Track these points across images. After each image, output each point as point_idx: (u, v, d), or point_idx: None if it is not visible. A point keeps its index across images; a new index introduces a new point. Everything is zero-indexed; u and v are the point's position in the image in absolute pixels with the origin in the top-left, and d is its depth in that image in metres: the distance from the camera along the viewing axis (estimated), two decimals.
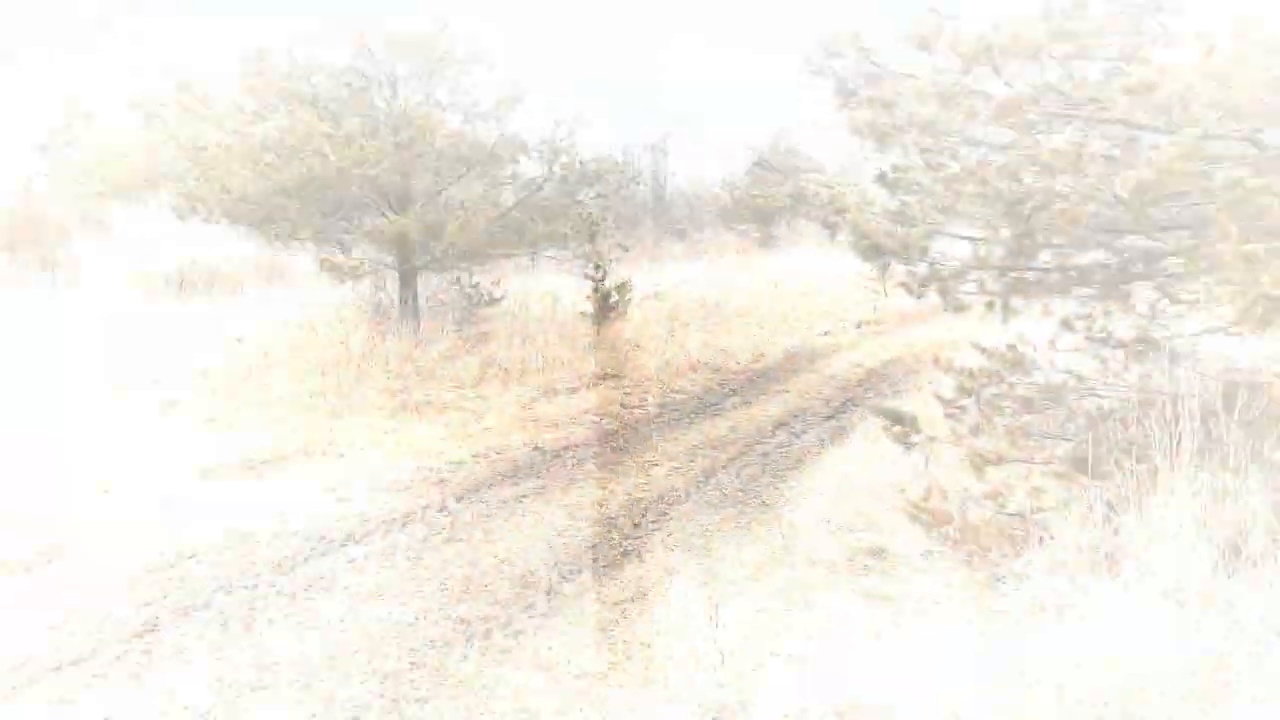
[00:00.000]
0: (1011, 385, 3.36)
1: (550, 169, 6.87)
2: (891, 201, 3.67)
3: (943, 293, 3.22)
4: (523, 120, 6.92)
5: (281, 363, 5.83)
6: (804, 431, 4.79)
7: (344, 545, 3.09)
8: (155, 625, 2.46)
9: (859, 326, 9.13)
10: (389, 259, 7.05)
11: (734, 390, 6.07)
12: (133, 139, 17.20)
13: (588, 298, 7.81)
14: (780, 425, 4.95)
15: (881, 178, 3.68)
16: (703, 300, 10.05)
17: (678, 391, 6.00)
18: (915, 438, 3.14)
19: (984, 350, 3.88)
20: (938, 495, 2.98)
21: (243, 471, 3.97)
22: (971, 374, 3.64)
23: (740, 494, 3.64)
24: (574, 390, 5.85)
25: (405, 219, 5.53)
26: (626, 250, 7.89)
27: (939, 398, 3.84)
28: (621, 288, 7.68)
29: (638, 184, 9.83)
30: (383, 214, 6.26)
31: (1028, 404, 3.31)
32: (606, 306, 7.55)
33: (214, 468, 4.01)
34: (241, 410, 4.98)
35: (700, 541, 3.09)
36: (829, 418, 5.16)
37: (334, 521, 3.34)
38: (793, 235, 21.13)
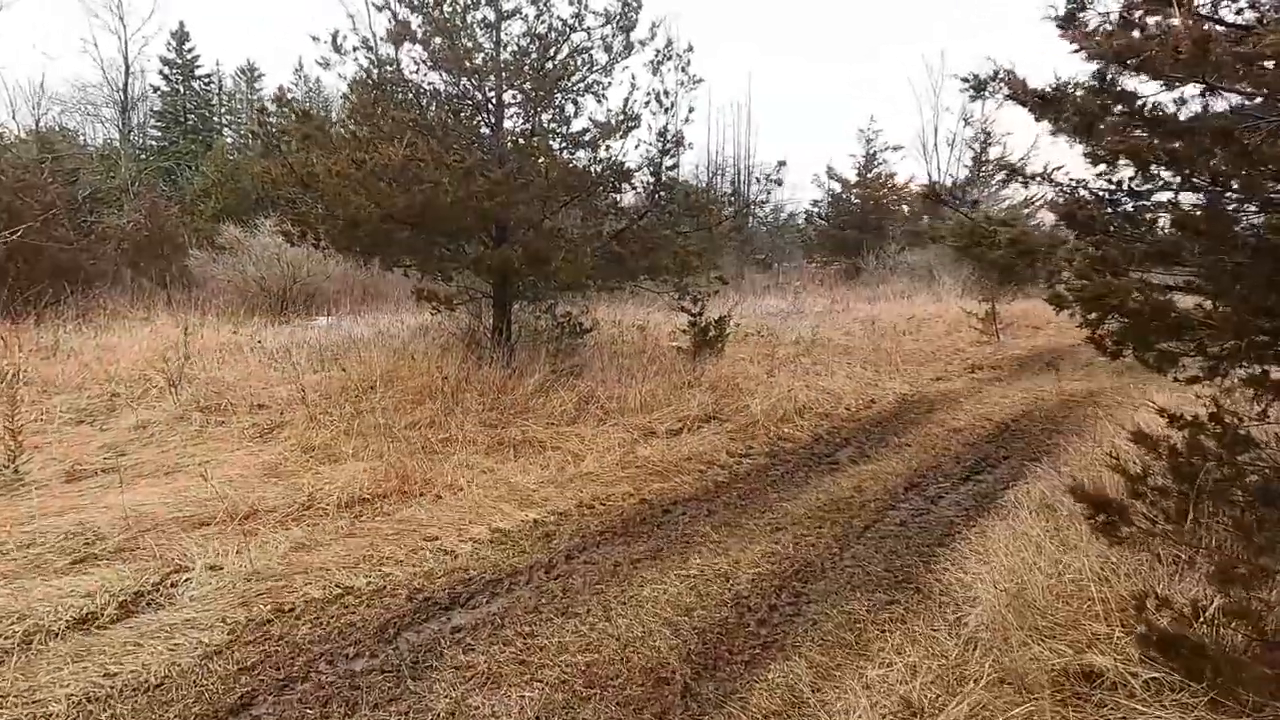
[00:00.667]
0: (1239, 469, 2.77)
1: (653, 197, 6.62)
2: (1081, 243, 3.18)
3: (1161, 355, 2.69)
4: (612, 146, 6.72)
5: (378, 390, 5.74)
6: (939, 497, 4.25)
7: (448, 610, 2.80)
8: (252, 700, 2.22)
9: (972, 372, 8.41)
10: (485, 287, 6.95)
11: (846, 440, 5.57)
12: (245, 165, 18.23)
13: (684, 332, 7.49)
14: (910, 487, 4.42)
15: (1069, 217, 3.19)
16: (798, 337, 9.58)
17: (786, 439, 5.54)
18: (1125, 530, 2.59)
19: (1175, 419, 3.30)
20: (1158, 606, 2.43)
21: (339, 511, 3.78)
22: (1175, 450, 3.06)
23: (886, 575, 3.16)
24: (675, 432, 5.48)
25: (510, 249, 5.35)
26: (726, 284, 7.54)
27: (1124, 473, 3.27)
28: (719, 323, 7.32)
29: (750, 215, 9.48)
30: (484, 243, 6.14)
31: (1266, 495, 2.71)
32: (704, 342, 7.19)
33: (312, 505, 3.84)
34: (338, 440, 4.86)
35: (851, 636, 2.64)
36: (964, 479, 4.59)
37: (437, 579, 3.07)
38: (882, 270, 20.31)
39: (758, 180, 6.56)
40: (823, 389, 6.83)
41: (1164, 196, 3.42)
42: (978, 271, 11.04)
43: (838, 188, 23.97)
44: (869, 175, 23.76)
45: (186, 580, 3.01)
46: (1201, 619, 2.37)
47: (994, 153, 21.84)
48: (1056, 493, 3.98)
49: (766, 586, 3.03)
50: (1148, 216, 3.37)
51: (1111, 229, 3.10)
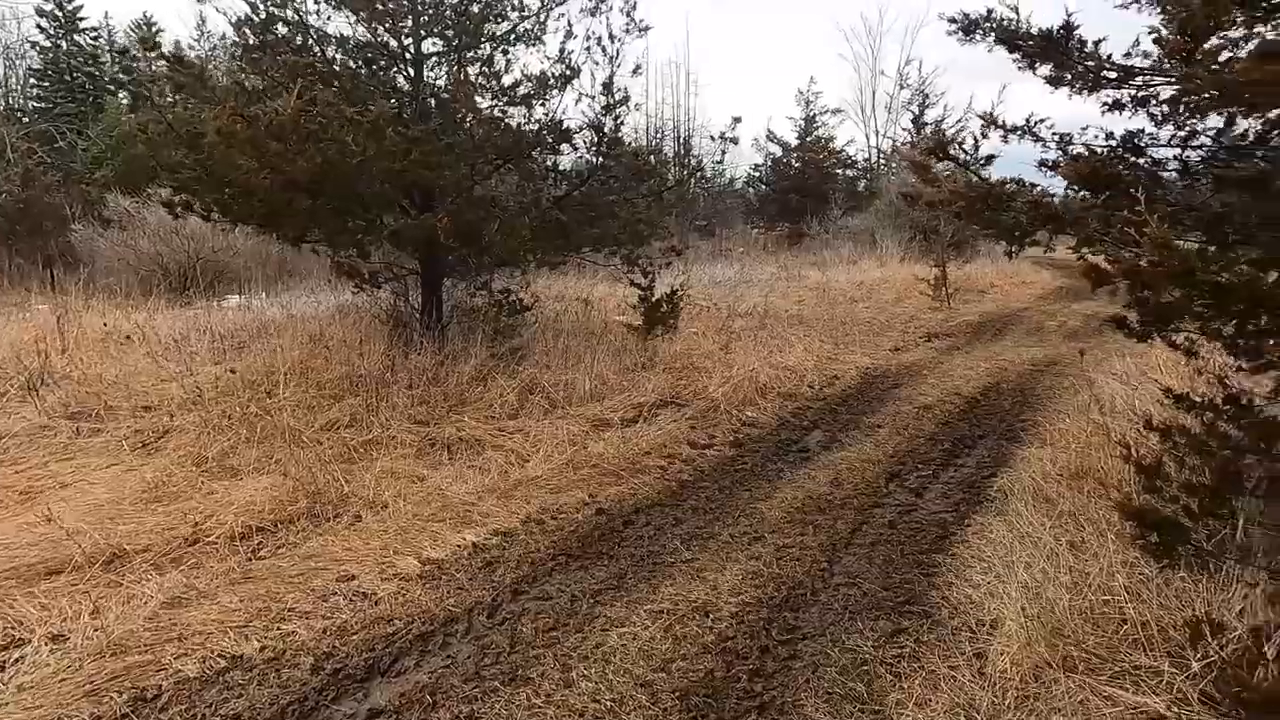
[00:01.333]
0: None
1: (597, 160, 5.98)
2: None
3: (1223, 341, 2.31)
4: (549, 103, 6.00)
5: (289, 384, 5.00)
6: (923, 488, 3.89)
7: (365, 682, 2.23)
8: None
9: (930, 340, 8.19)
10: (412, 263, 6.21)
11: (814, 422, 5.18)
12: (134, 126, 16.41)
13: (633, 307, 6.94)
14: (891, 477, 4.05)
15: (1091, 177, 2.75)
16: (751, 308, 9.17)
17: (750, 424, 5.11)
18: (1185, 551, 2.22)
19: (1182, 400, 2.97)
20: (1212, 633, 2.09)
21: (232, 546, 3.12)
22: (1200, 440, 2.73)
23: (886, 594, 2.75)
24: (630, 422, 4.97)
25: (433, 219, 4.65)
26: (680, 254, 7.00)
27: (1140, 466, 2.93)
28: (672, 297, 6.79)
29: (701, 177, 8.92)
30: (406, 212, 5.40)
31: None
32: (656, 318, 6.66)
33: (198, 539, 3.16)
34: (238, 449, 4.13)
35: (861, 686, 2.21)
36: (944, 465, 4.25)
37: (352, 636, 2.48)
38: (825, 234, 20.16)
39: (710, 139, 5.99)
40: (783, 366, 6.43)
41: (1169, 153, 3.07)
42: (985, 230, 10.72)
43: (778, 151, 23.63)
44: (808, 139, 23.49)
45: (18, 660, 2.33)
46: (1268, 646, 2.03)
47: (931, 115, 21.86)
48: (1049, 481, 3.67)
49: (754, 621, 2.57)
50: (1164, 176, 3.02)
51: (1137, 191, 2.70)
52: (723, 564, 3.00)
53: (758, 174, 24.89)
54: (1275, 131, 2.67)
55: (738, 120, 5.58)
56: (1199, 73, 1.90)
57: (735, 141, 5.60)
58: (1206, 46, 1.91)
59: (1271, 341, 2.48)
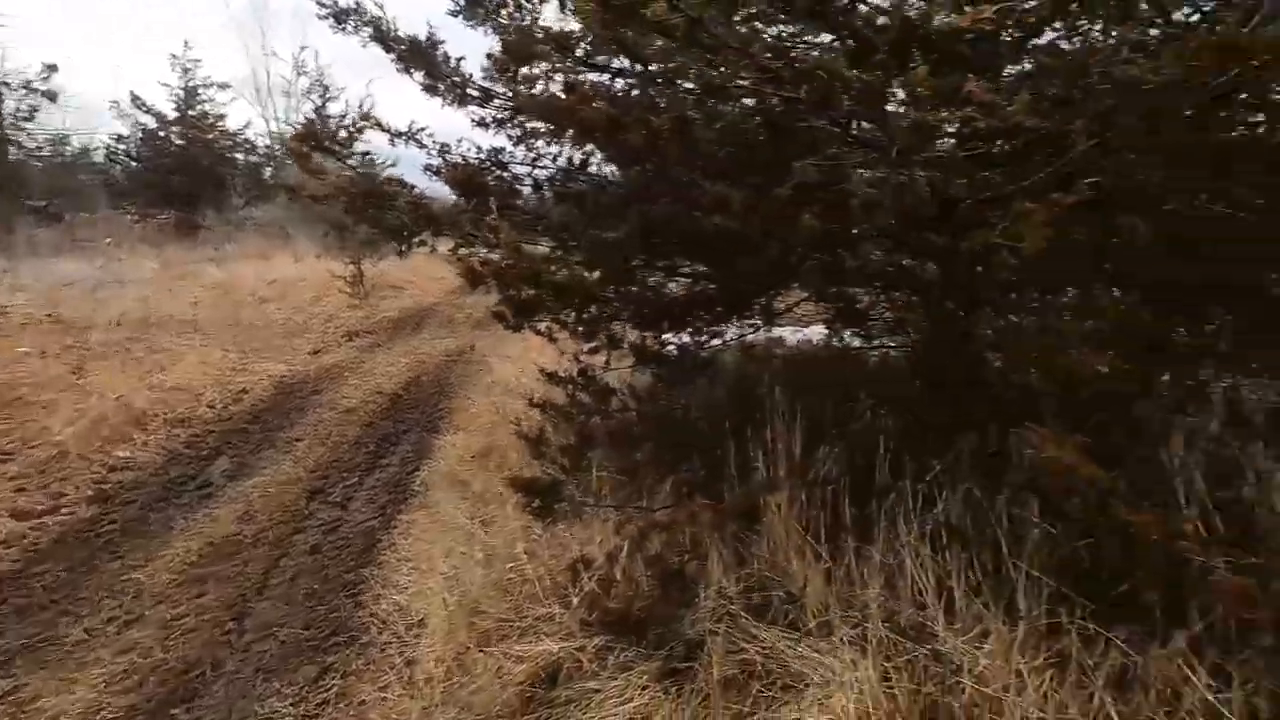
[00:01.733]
0: (615, 418, 3.15)
1: None
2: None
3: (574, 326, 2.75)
4: None
5: None
6: (349, 499, 3.69)
7: None
8: None
9: (351, 339, 8.00)
10: None
11: (218, 449, 4.38)
12: None
13: None
14: (313, 494, 3.71)
15: (464, 183, 2.95)
16: (120, 315, 7.26)
17: (122, 467, 3.97)
18: (561, 507, 2.59)
19: (552, 377, 3.61)
20: (586, 570, 2.52)
21: None
22: (566, 410, 3.32)
23: (309, 634, 2.44)
24: None
25: None
26: None
27: (526, 438, 3.40)
28: None
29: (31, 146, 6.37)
30: None
31: (631, 439, 3.15)
32: None
33: None
34: None
35: None
36: (370, 469, 4.15)
37: None
38: (228, 227, 17.69)
39: (7, 86, 4.31)
40: (171, 385, 5.24)
41: (524, 170, 3.62)
42: (355, 232, 10.43)
43: (152, 122, 19.40)
44: (191, 113, 20.04)
45: None
46: (615, 567, 2.58)
47: (335, 108, 21.44)
48: (464, 465, 3.96)
49: None
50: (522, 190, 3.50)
51: (498, 201, 3.05)
52: (70, 678, 2.16)
53: (124, 147, 19.92)
54: (591, 160, 3.38)
55: (52, 68, 4.16)
56: (525, 92, 2.19)
57: (53, 98, 4.15)
58: (525, 72, 2.22)
59: (599, 325, 3.16)
